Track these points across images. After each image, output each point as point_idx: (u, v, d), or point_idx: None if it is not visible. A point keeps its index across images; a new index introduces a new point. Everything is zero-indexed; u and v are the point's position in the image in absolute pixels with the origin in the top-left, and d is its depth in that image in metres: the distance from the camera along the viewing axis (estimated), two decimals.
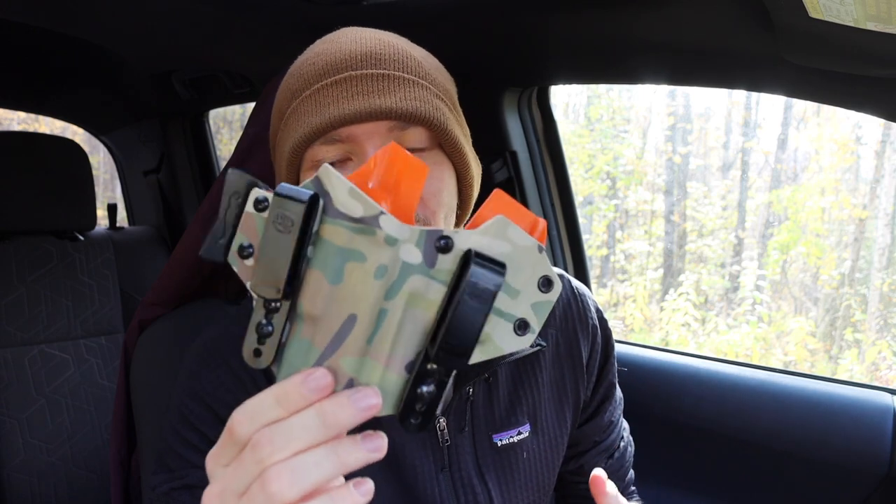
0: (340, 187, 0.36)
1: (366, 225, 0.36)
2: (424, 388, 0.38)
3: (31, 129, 4.40)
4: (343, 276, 0.36)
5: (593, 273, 4.11)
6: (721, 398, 1.14)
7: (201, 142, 1.99)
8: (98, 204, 1.63)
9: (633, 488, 0.88)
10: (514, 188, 1.32)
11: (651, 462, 1.17)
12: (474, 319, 0.36)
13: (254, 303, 0.38)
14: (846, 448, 1.01)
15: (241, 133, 0.95)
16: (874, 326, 3.41)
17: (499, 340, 0.38)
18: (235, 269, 0.38)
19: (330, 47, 0.63)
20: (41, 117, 4.11)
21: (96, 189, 1.60)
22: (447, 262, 0.37)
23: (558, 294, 0.39)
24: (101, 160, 4.42)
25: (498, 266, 0.37)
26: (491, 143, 1.31)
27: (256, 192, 0.37)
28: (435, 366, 0.37)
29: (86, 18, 1.29)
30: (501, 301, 0.38)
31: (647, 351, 1.29)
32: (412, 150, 0.61)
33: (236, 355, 0.66)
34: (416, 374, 0.38)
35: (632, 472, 0.87)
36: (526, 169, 1.33)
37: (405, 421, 0.38)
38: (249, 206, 0.37)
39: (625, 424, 0.87)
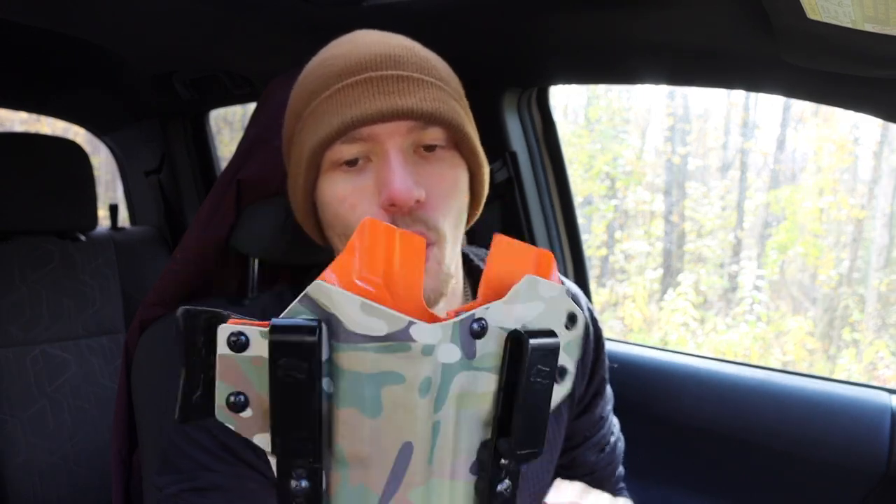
0: (350, 305, 0.31)
1: (395, 342, 0.31)
2: (501, 487, 0.34)
3: (32, 130, 4.40)
4: (382, 405, 0.31)
5: (592, 273, 4.11)
6: (720, 398, 1.15)
7: (202, 142, 1.99)
8: (99, 204, 1.63)
9: (622, 484, 0.90)
10: (514, 188, 1.32)
11: (650, 462, 1.17)
12: (543, 404, 0.33)
13: (271, 463, 0.32)
14: (844, 447, 1.01)
15: (241, 134, 0.96)
16: (872, 326, 3.41)
17: None
18: (231, 426, 0.32)
19: (347, 50, 0.63)
20: (43, 118, 4.11)
21: (98, 189, 1.60)
22: (488, 346, 0.34)
23: (583, 327, 0.37)
24: (102, 161, 4.42)
25: (549, 337, 0.34)
26: (491, 144, 1.30)
27: (226, 329, 0.31)
28: (506, 461, 0.34)
29: (86, 19, 1.29)
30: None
31: (646, 351, 1.30)
32: (430, 148, 0.62)
33: None
34: (490, 477, 0.33)
35: (621, 468, 0.89)
36: (525, 169, 1.34)
37: None
38: (223, 348, 0.31)
39: (615, 420, 0.89)
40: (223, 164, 1.85)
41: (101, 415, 1.53)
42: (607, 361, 0.86)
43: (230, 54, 1.43)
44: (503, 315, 0.34)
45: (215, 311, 0.32)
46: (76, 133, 3.57)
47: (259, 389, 0.31)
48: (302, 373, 0.30)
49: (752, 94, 3.62)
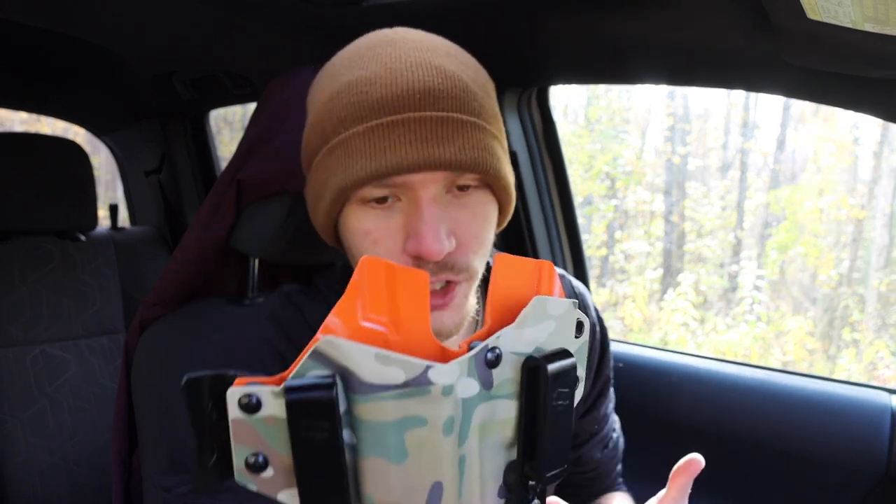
0: (363, 357, 0.30)
1: (414, 387, 0.31)
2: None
3: (32, 130, 4.40)
4: (407, 450, 0.31)
5: (593, 273, 4.11)
6: (720, 398, 1.15)
7: (202, 142, 1.99)
8: (99, 204, 1.63)
9: (620, 479, 0.93)
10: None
11: (650, 462, 1.17)
12: (566, 423, 0.34)
13: None
14: (844, 447, 1.01)
15: (241, 134, 0.96)
16: (872, 326, 3.41)
17: None
18: (253, 488, 0.32)
19: (383, 75, 0.58)
20: (43, 118, 4.11)
21: (98, 189, 1.60)
22: (505, 374, 0.34)
23: (589, 331, 0.38)
24: (102, 161, 4.42)
25: (565, 359, 0.34)
26: None
27: (236, 392, 0.30)
28: (534, 482, 0.34)
29: (86, 19, 1.29)
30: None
31: (645, 350, 1.30)
32: (463, 188, 0.60)
33: (258, 360, 0.66)
34: (518, 499, 0.34)
35: (619, 464, 0.92)
36: (526, 169, 1.34)
37: None
38: (234, 411, 0.30)
39: (615, 417, 0.91)
40: (223, 164, 1.85)
41: (101, 415, 1.53)
42: (612, 361, 0.87)
43: (230, 54, 1.43)
44: (515, 341, 0.34)
45: (219, 374, 0.30)
46: (76, 133, 3.58)
47: (278, 448, 0.30)
48: (323, 431, 0.29)
49: (752, 94, 3.62)
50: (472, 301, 0.63)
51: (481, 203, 0.61)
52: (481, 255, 0.62)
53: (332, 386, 0.29)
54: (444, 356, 0.33)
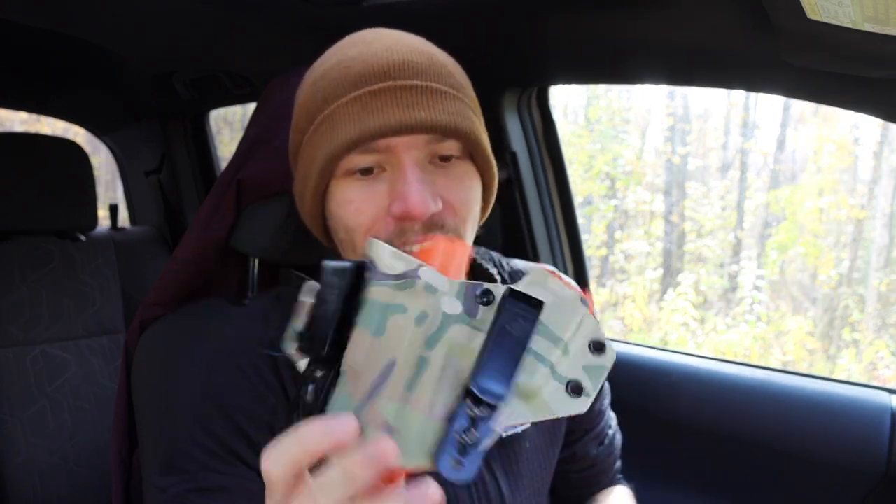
0: (384, 251, 0.38)
1: (406, 279, 0.37)
2: (457, 427, 0.36)
3: (32, 130, 4.40)
4: (385, 328, 0.37)
5: (593, 273, 4.11)
6: (720, 398, 1.15)
7: (202, 142, 1.99)
8: (99, 204, 1.63)
9: (619, 476, 0.92)
10: (514, 188, 1.32)
11: (650, 462, 1.17)
12: (508, 358, 0.36)
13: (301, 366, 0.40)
14: (844, 447, 1.01)
15: (241, 134, 0.96)
16: (872, 326, 3.41)
17: (550, 400, 0.37)
18: (291, 352, 0.40)
19: (363, 53, 0.62)
20: (43, 118, 4.11)
21: (98, 189, 1.60)
22: (488, 312, 0.37)
23: (613, 359, 0.38)
24: (102, 161, 4.42)
25: (532, 305, 0.37)
26: (491, 144, 1.31)
27: (310, 285, 0.40)
28: (473, 410, 0.36)
29: (86, 19, 1.29)
30: (548, 351, 0.37)
31: (645, 351, 1.30)
32: (446, 158, 0.62)
33: (247, 357, 0.66)
34: (450, 417, 0.37)
35: (619, 461, 0.91)
36: (525, 169, 1.34)
37: (443, 467, 0.36)
38: (305, 297, 0.40)
39: (612, 414, 0.91)
40: (223, 164, 1.85)
41: (101, 415, 1.53)
42: None
43: (230, 54, 1.43)
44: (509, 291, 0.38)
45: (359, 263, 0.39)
46: (76, 133, 3.57)
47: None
48: (336, 296, 0.38)
49: (752, 94, 3.62)
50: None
51: (466, 173, 0.63)
52: (470, 221, 0.63)
53: (354, 270, 0.38)
54: None
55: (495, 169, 0.66)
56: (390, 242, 0.40)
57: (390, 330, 0.37)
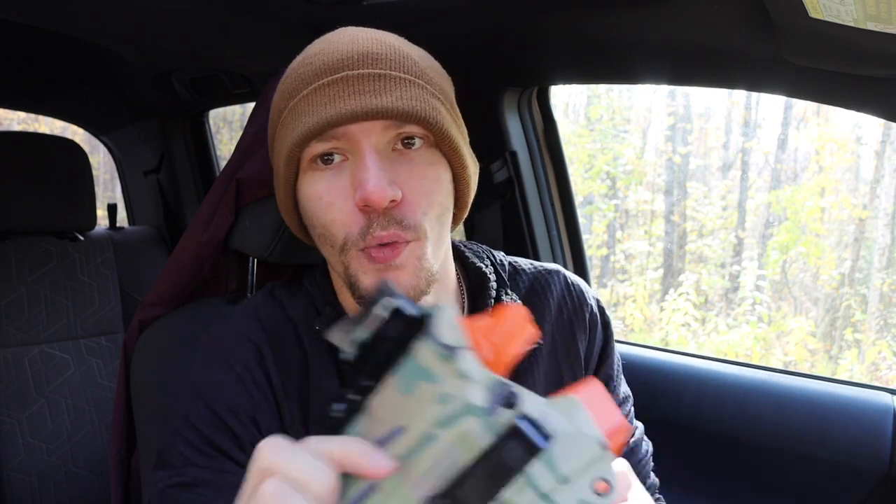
0: (445, 316, 0.38)
1: (449, 353, 0.37)
2: None
3: (31, 129, 4.40)
4: (413, 390, 0.37)
5: (593, 273, 4.11)
6: (721, 398, 1.14)
7: (201, 142, 1.99)
8: (98, 204, 1.63)
9: (658, 495, 0.84)
10: (515, 188, 1.32)
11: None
12: (493, 483, 0.35)
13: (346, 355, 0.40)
14: (846, 448, 1.01)
15: (241, 133, 0.96)
16: (874, 326, 3.41)
17: None
18: (346, 350, 0.40)
19: (327, 47, 0.63)
20: (41, 117, 4.11)
21: (96, 189, 1.60)
22: (506, 417, 0.36)
23: (614, 501, 0.36)
24: (101, 160, 4.42)
25: (542, 435, 0.35)
26: (491, 143, 1.31)
27: (386, 303, 0.39)
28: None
29: (85, 18, 1.28)
30: (547, 482, 0.35)
31: (646, 351, 1.29)
32: (409, 144, 0.62)
33: (237, 356, 0.67)
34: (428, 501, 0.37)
35: (653, 477, 0.83)
36: (526, 169, 1.33)
37: None
38: (380, 310, 0.39)
39: (638, 424, 0.84)
40: (222, 164, 1.85)
41: (100, 415, 1.52)
42: (618, 362, 0.82)
43: (230, 54, 1.43)
44: (532, 407, 0.36)
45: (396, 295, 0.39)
46: (74, 132, 3.57)
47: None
48: (389, 337, 0.38)
49: (754, 94, 3.61)
50: (433, 268, 0.63)
51: (430, 162, 0.63)
52: (432, 215, 0.63)
53: (420, 314, 0.38)
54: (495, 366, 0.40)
55: (466, 158, 0.66)
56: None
57: (416, 394, 0.37)
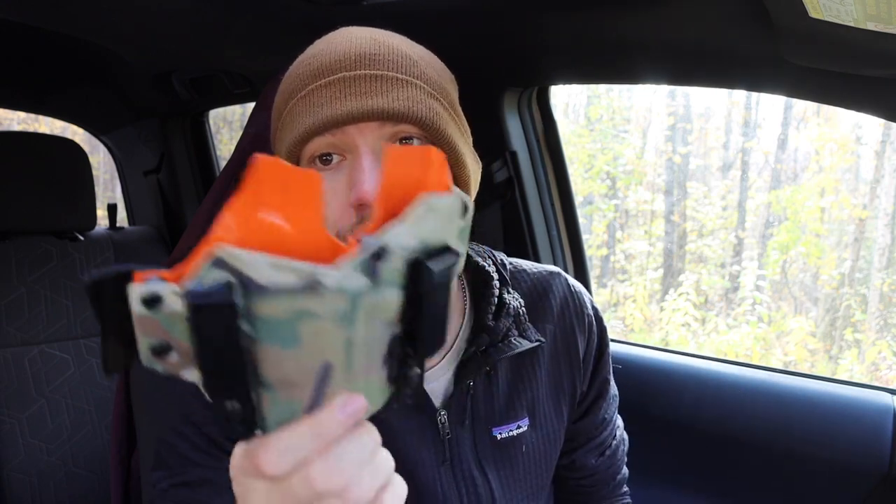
0: (259, 263, 0.33)
1: (308, 289, 0.33)
2: (411, 373, 0.38)
3: (31, 129, 4.40)
4: (300, 337, 0.34)
5: (593, 273, 4.10)
6: (721, 398, 1.14)
7: (201, 142, 1.99)
8: (98, 204, 1.63)
9: (624, 488, 0.89)
10: (514, 188, 1.32)
11: (651, 462, 1.17)
12: (443, 311, 0.37)
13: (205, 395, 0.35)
14: (846, 448, 1.01)
15: (241, 133, 0.96)
16: (874, 326, 3.41)
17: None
18: (159, 369, 0.35)
19: (326, 48, 0.64)
20: (41, 117, 4.11)
21: (96, 189, 1.60)
22: (390, 265, 0.36)
23: (471, 215, 0.39)
24: (101, 160, 4.42)
25: (447, 255, 0.37)
26: (491, 143, 1.31)
27: (137, 290, 0.32)
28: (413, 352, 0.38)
29: (85, 18, 1.28)
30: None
31: (646, 351, 1.29)
32: (405, 143, 0.62)
33: None
34: (398, 362, 0.38)
35: (625, 469, 0.88)
36: (526, 169, 1.33)
37: (400, 400, 0.38)
38: (138, 307, 0.32)
39: (619, 422, 0.88)
40: (222, 164, 1.85)
41: (100, 415, 1.52)
42: (611, 363, 0.85)
43: (230, 54, 1.43)
44: (401, 236, 0.36)
45: (120, 271, 0.33)
46: (74, 132, 3.58)
47: (180, 337, 0.33)
48: (222, 330, 0.32)
49: (754, 94, 3.61)
50: None
51: None
52: None
53: (231, 290, 0.32)
54: (335, 251, 0.36)
55: (464, 158, 0.66)
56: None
57: (306, 336, 0.34)
